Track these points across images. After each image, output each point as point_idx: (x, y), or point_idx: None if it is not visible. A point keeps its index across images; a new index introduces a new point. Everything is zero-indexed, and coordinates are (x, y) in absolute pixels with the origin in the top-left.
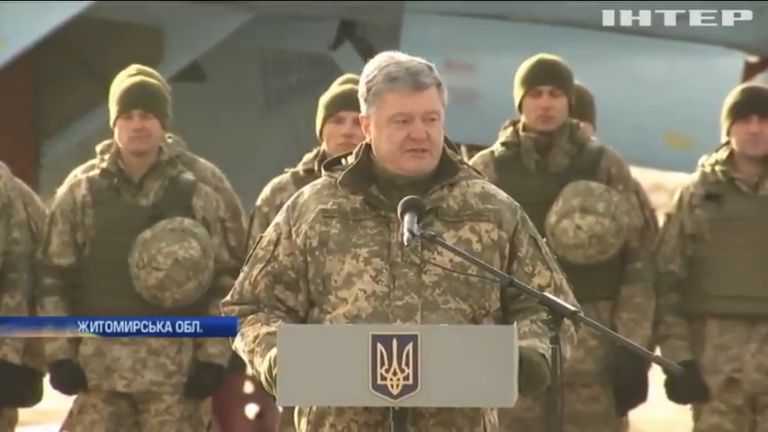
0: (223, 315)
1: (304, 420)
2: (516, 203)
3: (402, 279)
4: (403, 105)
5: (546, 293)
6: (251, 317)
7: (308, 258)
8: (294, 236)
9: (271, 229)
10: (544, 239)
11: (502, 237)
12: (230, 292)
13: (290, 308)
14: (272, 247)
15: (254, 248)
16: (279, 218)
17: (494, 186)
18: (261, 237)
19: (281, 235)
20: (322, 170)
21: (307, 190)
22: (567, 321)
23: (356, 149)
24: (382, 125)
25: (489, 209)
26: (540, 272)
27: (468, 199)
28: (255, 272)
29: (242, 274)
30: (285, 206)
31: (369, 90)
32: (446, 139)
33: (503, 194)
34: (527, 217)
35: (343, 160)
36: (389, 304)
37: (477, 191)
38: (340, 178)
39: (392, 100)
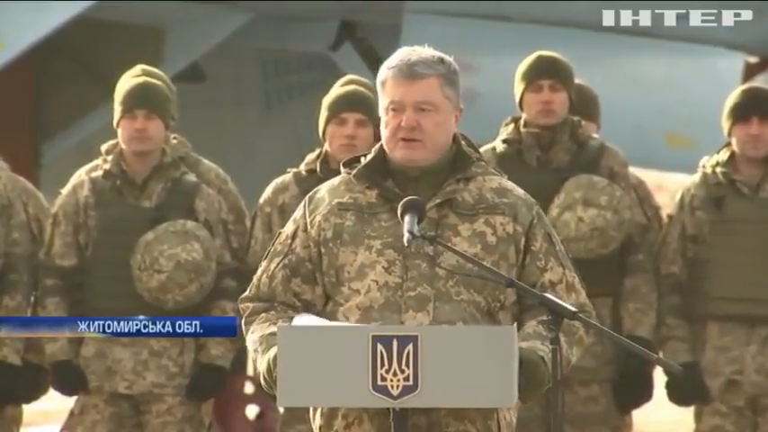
0: (240, 310)
1: (318, 413)
2: (533, 200)
3: (415, 270)
4: (395, 94)
5: (547, 294)
6: (263, 315)
7: (322, 250)
8: (310, 227)
9: (289, 223)
10: None
11: (517, 230)
12: (249, 287)
13: (307, 302)
14: (289, 241)
15: (273, 244)
16: (297, 213)
17: (511, 183)
18: (279, 232)
19: (299, 228)
20: (341, 167)
21: (324, 186)
22: (576, 324)
23: (375, 146)
24: (382, 113)
25: (505, 202)
26: (553, 268)
27: (485, 193)
28: (273, 265)
29: (260, 269)
30: (303, 201)
31: (378, 80)
32: (466, 138)
33: (519, 191)
34: (543, 214)
35: (362, 158)
36: (402, 295)
37: (494, 186)
38: (354, 172)
39: (388, 88)
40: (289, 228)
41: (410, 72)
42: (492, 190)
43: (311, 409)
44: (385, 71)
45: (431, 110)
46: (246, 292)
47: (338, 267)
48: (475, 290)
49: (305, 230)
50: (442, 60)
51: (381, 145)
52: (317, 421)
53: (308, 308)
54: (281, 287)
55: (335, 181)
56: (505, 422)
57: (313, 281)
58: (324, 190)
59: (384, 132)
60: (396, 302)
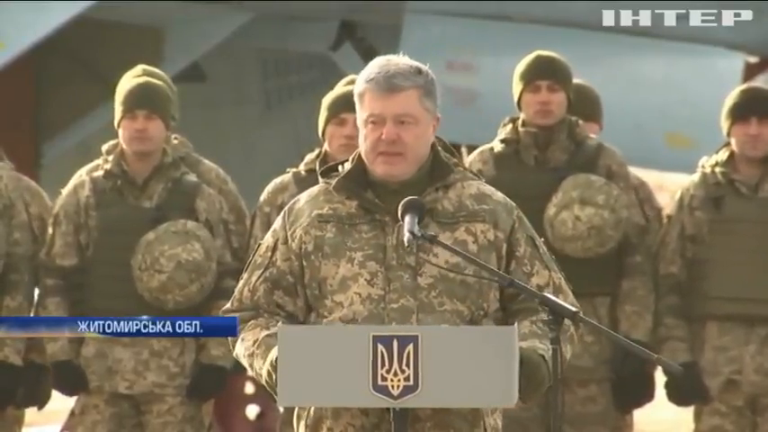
0: None
1: (302, 424)
2: (512, 203)
3: (397, 282)
4: (374, 107)
5: (545, 293)
6: (251, 322)
7: (304, 263)
8: (290, 240)
9: (268, 235)
10: (542, 239)
11: (498, 237)
12: (230, 300)
13: (289, 313)
14: (269, 254)
15: (253, 255)
16: (276, 224)
17: (489, 187)
18: (259, 244)
19: (278, 240)
20: (319, 177)
21: (303, 196)
22: (567, 322)
23: (353, 155)
24: (361, 126)
25: (484, 209)
26: (539, 271)
27: (464, 200)
28: (254, 278)
29: (241, 282)
30: (282, 212)
31: (355, 92)
32: (442, 142)
33: (499, 195)
34: (524, 217)
35: (340, 167)
36: (385, 307)
37: (473, 192)
38: (334, 184)
39: (367, 101)
40: (268, 239)
41: (389, 85)
42: (471, 196)
43: (295, 420)
44: (362, 84)
45: (411, 122)
46: (228, 305)
47: (320, 280)
48: (458, 299)
49: (285, 243)
50: (419, 71)
51: (360, 155)
52: (300, 431)
53: (290, 319)
54: (264, 300)
55: (314, 191)
56: (492, 428)
57: (294, 293)
58: (302, 201)
59: (363, 145)
60: (379, 315)
